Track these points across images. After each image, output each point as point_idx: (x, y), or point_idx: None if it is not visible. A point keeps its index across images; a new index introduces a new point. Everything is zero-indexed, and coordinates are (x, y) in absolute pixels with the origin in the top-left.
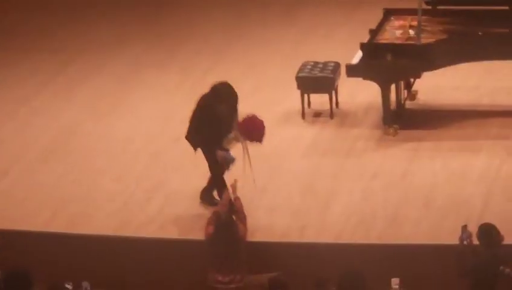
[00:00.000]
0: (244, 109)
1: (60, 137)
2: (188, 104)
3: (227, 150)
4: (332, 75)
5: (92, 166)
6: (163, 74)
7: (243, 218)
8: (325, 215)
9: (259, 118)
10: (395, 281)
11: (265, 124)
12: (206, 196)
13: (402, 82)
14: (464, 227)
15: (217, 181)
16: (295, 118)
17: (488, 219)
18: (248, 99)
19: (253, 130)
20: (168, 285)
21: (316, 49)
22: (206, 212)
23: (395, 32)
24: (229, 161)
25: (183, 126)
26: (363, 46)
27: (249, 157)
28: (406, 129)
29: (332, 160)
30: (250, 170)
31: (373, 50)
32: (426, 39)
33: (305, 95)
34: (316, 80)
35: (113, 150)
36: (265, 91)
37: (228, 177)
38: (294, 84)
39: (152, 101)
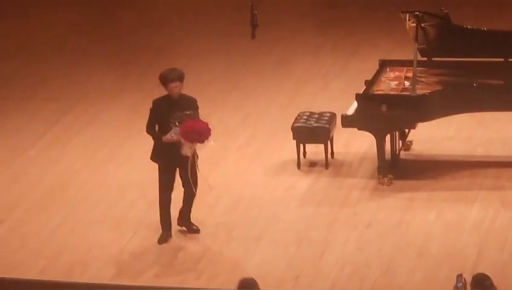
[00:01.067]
0: (239, 159)
1: (56, 186)
2: None
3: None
4: (327, 126)
5: (88, 215)
6: None
7: None
8: (319, 265)
9: (203, 120)
10: None
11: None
12: (183, 221)
13: (397, 132)
14: (459, 276)
15: (161, 201)
16: (290, 168)
17: (482, 269)
18: (243, 148)
19: (193, 131)
20: None
21: (311, 100)
22: (202, 258)
23: (391, 83)
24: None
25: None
26: (358, 97)
27: (195, 161)
28: (400, 179)
29: (327, 209)
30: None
31: (368, 101)
32: (421, 90)
33: (301, 145)
34: (311, 130)
35: (110, 199)
36: (261, 141)
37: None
38: (290, 134)
39: (148, 150)
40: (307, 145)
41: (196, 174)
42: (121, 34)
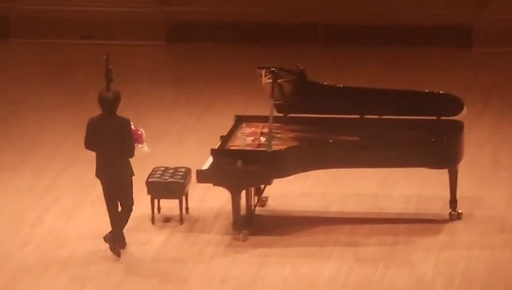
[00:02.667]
0: (93, 213)
1: None
2: (39, 208)
3: None
4: (182, 181)
5: None
6: (15, 178)
7: None
8: None
9: None
10: None
11: None
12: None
13: (252, 188)
14: None
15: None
16: (145, 223)
17: None
18: (98, 203)
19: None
20: None
21: (166, 155)
22: None
23: (246, 139)
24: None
25: (34, 230)
26: (213, 152)
27: None
28: (255, 235)
29: (182, 265)
30: None
31: (224, 156)
32: (277, 146)
33: (155, 200)
34: (166, 185)
35: None
36: None
37: None
38: (145, 189)
39: (3, 205)
40: (161, 200)
41: None
42: None
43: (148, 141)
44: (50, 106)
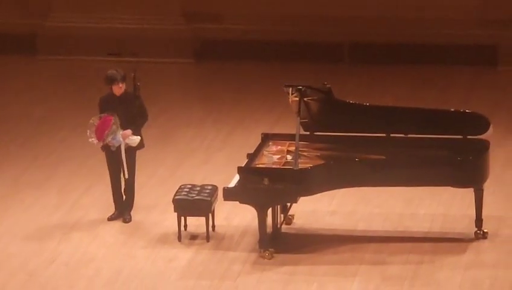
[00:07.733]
0: (119, 231)
1: None
2: (65, 225)
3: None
4: (209, 198)
5: None
6: (42, 195)
7: None
8: None
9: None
10: None
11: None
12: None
13: (278, 206)
14: None
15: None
16: (171, 240)
17: None
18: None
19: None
20: None
21: (193, 172)
22: None
23: (273, 157)
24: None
25: (60, 247)
26: (240, 170)
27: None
28: (281, 253)
29: (208, 282)
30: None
31: (250, 174)
32: (303, 164)
33: (182, 218)
34: (193, 203)
35: None
36: (142, 213)
37: None
38: (171, 206)
39: (29, 222)
40: (188, 217)
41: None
42: (2, 104)
43: (175, 158)
44: (76, 123)
